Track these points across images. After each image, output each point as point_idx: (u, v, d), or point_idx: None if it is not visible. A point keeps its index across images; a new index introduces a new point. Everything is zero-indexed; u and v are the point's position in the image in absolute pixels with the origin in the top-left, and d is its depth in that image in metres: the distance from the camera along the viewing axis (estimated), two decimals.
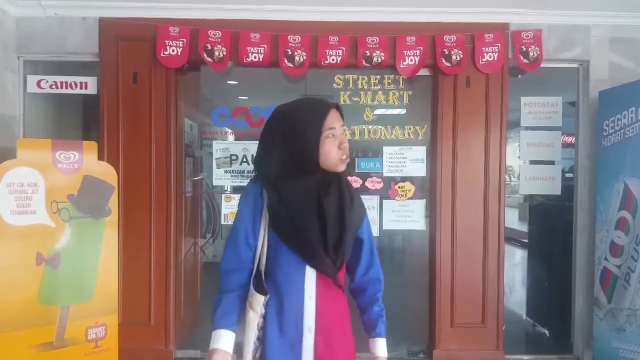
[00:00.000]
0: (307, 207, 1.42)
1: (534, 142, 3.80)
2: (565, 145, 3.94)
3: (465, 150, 3.61)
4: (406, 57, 3.53)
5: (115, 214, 3.06)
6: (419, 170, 3.69)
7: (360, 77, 3.66)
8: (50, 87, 3.63)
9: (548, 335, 4.15)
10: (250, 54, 3.45)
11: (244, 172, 3.69)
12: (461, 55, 3.50)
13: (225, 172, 3.71)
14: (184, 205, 3.80)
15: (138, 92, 3.52)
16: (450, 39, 3.51)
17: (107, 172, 3.05)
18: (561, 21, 3.63)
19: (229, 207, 3.66)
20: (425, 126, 3.71)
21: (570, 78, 3.81)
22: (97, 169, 3.01)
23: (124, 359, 3.11)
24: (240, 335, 1.43)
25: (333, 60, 3.48)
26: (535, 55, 3.56)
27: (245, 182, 3.63)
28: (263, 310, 1.43)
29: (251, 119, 3.68)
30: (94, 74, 3.60)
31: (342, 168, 1.45)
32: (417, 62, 3.53)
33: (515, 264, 6.51)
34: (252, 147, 3.57)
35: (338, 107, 1.47)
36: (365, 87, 3.67)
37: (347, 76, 3.66)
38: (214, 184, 3.95)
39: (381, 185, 3.68)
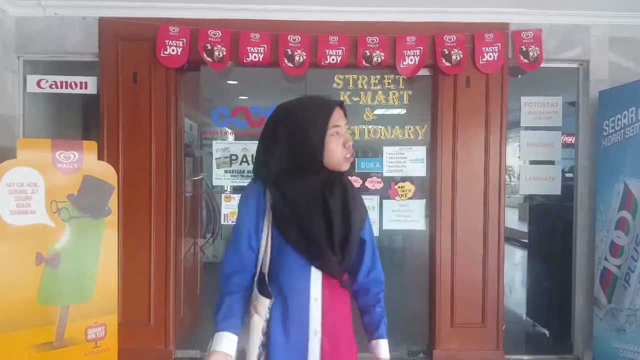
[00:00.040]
0: (312, 207, 1.38)
1: (534, 142, 3.80)
2: (565, 145, 3.93)
3: (465, 150, 3.61)
4: (406, 57, 3.53)
5: (115, 213, 3.06)
6: (419, 170, 3.69)
7: (360, 77, 3.66)
8: (50, 87, 3.62)
9: (548, 335, 4.15)
10: (250, 54, 3.45)
11: (243, 172, 3.69)
12: (461, 55, 3.50)
13: (225, 172, 3.71)
14: (184, 205, 3.79)
15: (138, 92, 3.52)
16: (450, 39, 3.51)
17: (107, 172, 3.05)
18: (561, 21, 3.63)
19: (229, 207, 3.66)
20: (425, 126, 3.71)
21: (570, 78, 3.81)
22: (97, 168, 3.00)
23: (123, 359, 3.11)
24: (242, 338, 1.39)
25: (333, 60, 3.48)
26: (535, 55, 3.56)
27: (245, 182, 3.64)
28: (268, 315, 1.39)
29: (251, 119, 3.69)
30: (94, 74, 3.60)
31: (346, 167, 1.43)
32: (417, 62, 3.53)
33: (515, 264, 6.51)
34: (252, 147, 3.57)
35: (342, 105, 1.45)
36: (365, 87, 3.67)
37: (347, 76, 3.66)
38: (214, 184, 3.95)
39: (381, 185, 3.68)
